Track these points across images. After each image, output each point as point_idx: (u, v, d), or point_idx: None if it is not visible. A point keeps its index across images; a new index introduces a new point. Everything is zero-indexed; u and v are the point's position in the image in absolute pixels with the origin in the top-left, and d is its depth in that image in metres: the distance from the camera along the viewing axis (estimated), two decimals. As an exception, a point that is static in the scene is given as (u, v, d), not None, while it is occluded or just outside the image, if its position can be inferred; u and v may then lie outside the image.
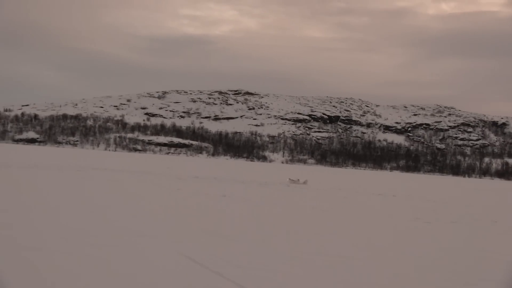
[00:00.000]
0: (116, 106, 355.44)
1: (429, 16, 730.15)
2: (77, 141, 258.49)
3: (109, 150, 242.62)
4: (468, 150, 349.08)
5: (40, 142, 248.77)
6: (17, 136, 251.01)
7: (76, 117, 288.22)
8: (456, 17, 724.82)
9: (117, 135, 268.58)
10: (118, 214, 17.03)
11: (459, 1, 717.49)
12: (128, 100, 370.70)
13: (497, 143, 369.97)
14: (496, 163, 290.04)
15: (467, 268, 12.32)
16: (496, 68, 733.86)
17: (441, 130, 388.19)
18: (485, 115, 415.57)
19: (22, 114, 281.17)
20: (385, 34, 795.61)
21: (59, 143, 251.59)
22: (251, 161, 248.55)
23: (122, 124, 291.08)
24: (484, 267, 12.71)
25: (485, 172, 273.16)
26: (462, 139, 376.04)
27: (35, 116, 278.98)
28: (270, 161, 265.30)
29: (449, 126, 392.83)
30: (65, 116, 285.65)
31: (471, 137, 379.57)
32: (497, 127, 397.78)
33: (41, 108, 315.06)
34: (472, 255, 14.36)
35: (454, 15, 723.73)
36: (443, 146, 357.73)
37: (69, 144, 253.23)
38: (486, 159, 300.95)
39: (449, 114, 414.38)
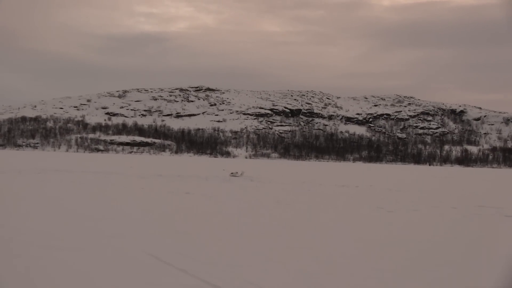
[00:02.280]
0: (76, 107, 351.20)
1: (383, 7, 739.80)
2: (37, 143, 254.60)
3: (71, 151, 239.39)
4: (428, 139, 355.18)
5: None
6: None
7: (36, 119, 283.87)
8: (410, 7, 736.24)
9: (78, 136, 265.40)
10: (82, 215, 16.90)
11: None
12: (88, 100, 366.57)
13: (456, 131, 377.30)
14: (456, 150, 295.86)
15: (428, 254, 12.59)
16: (452, 57, 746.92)
17: (402, 119, 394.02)
18: (443, 104, 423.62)
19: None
20: (341, 27, 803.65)
21: (19, 146, 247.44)
22: (215, 157, 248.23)
23: (83, 125, 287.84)
24: (445, 252, 13.01)
25: (445, 159, 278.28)
26: (422, 128, 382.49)
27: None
28: (234, 156, 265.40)
29: (409, 116, 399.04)
30: (24, 119, 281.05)
31: (431, 126, 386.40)
32: (456, 114, 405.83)
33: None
34: (431, 241, 14.67)
35: (407, 5, 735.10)
36: (404, 135, 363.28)
37: (29, 146, 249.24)
38: (446, 147, 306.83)
39: (409, 104, 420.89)
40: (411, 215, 21.30)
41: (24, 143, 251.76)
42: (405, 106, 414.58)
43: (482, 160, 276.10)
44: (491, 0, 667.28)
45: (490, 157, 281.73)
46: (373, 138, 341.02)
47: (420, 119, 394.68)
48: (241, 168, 68.96)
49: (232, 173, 53.54)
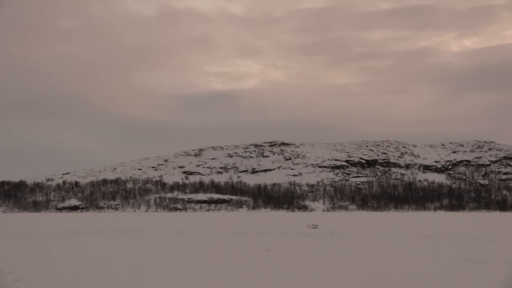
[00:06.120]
0: (154, 167, 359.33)
1: (452, 53, 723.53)
2: (118, 204, 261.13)
3: (150, 211, 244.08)
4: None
5: (82, 208, 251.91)
6: (60, 205, 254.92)
7: (116, 181, 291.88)
8: (480, 52, 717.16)
9: (157, 195, 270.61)
10: (162, 277, 17.02)
11: (482, 36, 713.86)
12: (166, 160, 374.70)
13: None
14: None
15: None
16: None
17: (483, 165, 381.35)
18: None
19: (64, 182, 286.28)
20: (410, 74, 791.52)
21: (101, 208, 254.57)
22: (292, 211, 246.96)
23: (161, 185, 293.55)
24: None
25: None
26: (505, 173, 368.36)
27: (76, 183, 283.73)
28: (311, 210, 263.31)
29: (491, 161, 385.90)
30: (105, 181, 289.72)
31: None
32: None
33: (81, 175, 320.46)
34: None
35: (477, 50, 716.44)
36: (486, 181, 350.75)
37: (110, 208, 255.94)
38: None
39: (489, 149, 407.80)
40: (504, 267, 20.28)
41: (105, 205, 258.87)
42: (486, 152, 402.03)
43: None
44: None
45: None
46: (454, 185, 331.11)
47: (502, 164, 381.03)
48: (318, 221, 69.84)
49: (311, 225, 55.34)
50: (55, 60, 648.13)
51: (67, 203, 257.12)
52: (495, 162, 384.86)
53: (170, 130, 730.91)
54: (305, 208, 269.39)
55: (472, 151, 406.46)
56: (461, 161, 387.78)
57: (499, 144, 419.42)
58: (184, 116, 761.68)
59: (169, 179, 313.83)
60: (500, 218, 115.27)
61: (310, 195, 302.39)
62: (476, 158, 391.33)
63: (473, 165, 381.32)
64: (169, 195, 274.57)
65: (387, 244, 32.70)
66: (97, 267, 20.12)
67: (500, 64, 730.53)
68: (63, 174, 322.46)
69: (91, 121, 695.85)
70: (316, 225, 56.49)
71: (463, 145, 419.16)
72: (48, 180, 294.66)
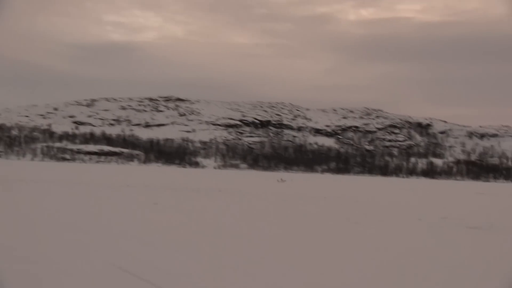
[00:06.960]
0: (42, 115, 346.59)
1: (350, 22, 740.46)
2: (1, 151, 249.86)
3: (36, 160, 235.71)
4: (395, 151, 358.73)
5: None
6: None
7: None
8: (375, 23, 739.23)
9: (44, 144, 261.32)
10: (44, 226, 16.66)
11: (377, 7, 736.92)
12: (55, 109, 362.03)
13: (422, 144, 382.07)
14: (422, 163, 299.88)
15: (393, 265, 12.70)
16: (417, 72, 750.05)
17: (370, 132, 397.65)
18: (410, 117, 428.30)
19: None
20: (308, 40, 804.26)
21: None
22: (183, 167, 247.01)
23: (49, 133, 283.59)
24: (410, 263, 13.13)
25: (411, 171, 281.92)
26: (389, 141, 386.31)
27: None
28: (203, 167, 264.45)
29: (377, 128, 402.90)
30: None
31: (398, 138, 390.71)
32: (422, 128, 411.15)
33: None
34: (397, 252, 14.80)
35: (373, 21, 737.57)
36: (372, 147, 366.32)
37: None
38: (412, 159, 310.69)
39: (377, 117, 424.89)
40: (377, 226, 21.48)
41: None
42: (373, 119, 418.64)
43: (446, 172, 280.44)
44: (454, 18, 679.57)
45: (454, 169, 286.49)
46: (342, 150, 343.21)
47: (387, 132, 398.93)
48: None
49: (280, 179, 73.02)
50: None
51: None
52: (381, 129, 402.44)
53: (62, 78, 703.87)
54: (196, 164, 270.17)
55: (361, 117, 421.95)
56: (350, 127, 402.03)
57: (386, 112, 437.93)
58: (77, 65, 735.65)
59: (58, 128, 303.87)
60: (380, 182, 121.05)
61: (203, 152, 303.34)
62: (364, 124, 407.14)
63: (361, 131, 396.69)
64: (57, 144, 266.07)
65: (273, 202, 33.59)
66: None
67: (392, 36, 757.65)
68: None
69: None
70: (284, 180, 71.92)
71: (353, 112, 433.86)
72: None
